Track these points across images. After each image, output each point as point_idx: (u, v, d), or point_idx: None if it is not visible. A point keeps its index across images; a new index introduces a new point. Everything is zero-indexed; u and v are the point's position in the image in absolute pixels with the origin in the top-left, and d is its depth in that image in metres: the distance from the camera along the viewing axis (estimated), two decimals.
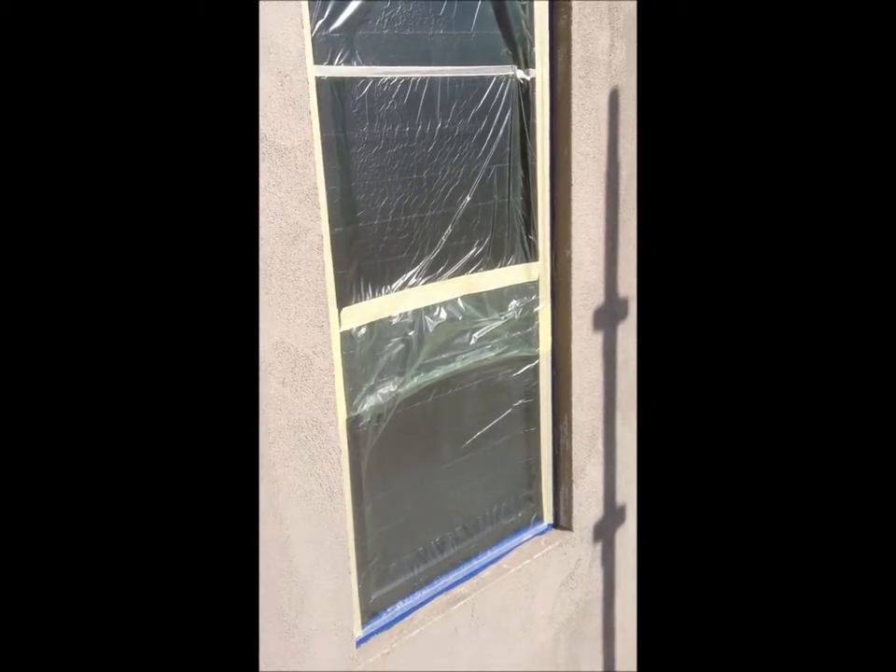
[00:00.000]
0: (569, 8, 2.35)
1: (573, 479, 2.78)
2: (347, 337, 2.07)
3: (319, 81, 1.83)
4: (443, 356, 2.38)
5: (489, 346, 2.51)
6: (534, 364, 2.66)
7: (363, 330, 2.12)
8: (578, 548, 2.84)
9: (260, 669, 1.95)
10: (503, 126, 2.36)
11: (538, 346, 2.65)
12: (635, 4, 2.53)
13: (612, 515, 2.97)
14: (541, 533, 2.79)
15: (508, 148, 2.40)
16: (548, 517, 2.83)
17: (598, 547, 2.94)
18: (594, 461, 2.84)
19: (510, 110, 2.36)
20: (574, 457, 2.76)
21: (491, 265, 2.45)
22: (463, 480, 2.53)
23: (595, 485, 2.87)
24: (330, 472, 2.01)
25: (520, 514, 2.75)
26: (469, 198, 2.32)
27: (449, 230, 2.29)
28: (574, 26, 2.37)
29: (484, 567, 2.58)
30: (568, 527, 2.82)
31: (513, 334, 2.58)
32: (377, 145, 2.03)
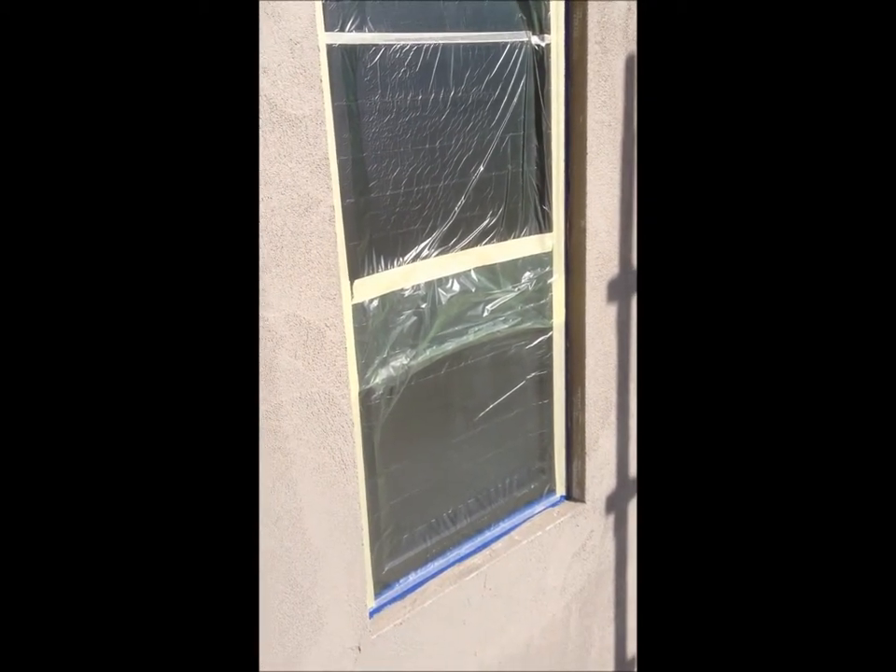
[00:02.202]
0: None
1: (586, 451, 2.77)
2: (359, 309, 2.06)
3: (330, 49, 1.79)
4: (456, 328, 2.36)
5: (502, 318, 2.49)
6: (547, 336, 2.64)
7: (375, 303, 2.10)
8: (590, 519, 2.84)
9: (275, 643, 1.98)
10: (517, 94, 2.31)
11: (551, 318, 2.63)
12: None
13: (625, 487, 2.97)
14: (554, 505, 2.80)
15: (522, 117, 2.35)
16: (560, 489, 2.83)
17: (611, 519, 2.94)
18: (606, 433, 2.83)
19: (524, 77, 2.31)
20: (587, 429, 2.75)
21: (504, 236, 2.42)
22: (476, 452, 2.53)
23: (608, 457, 2.86)
24: (343, 445, 2.01)
25: (532, 486, 2.75)
26: (482, 168, 2.28)
27: (462, 200, 2.26)
28: None
29: (497, 538, 2.59)
30: (581, 499, 2.82)
31: (527, 306, 2.55)
32: (389, 113, 2.00)
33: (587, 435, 2.75)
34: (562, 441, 2.78)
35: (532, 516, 2.72)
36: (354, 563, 2.11)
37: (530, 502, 2.74)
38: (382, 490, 2.26)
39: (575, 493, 2.83)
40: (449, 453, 2.44)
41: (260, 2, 1.54)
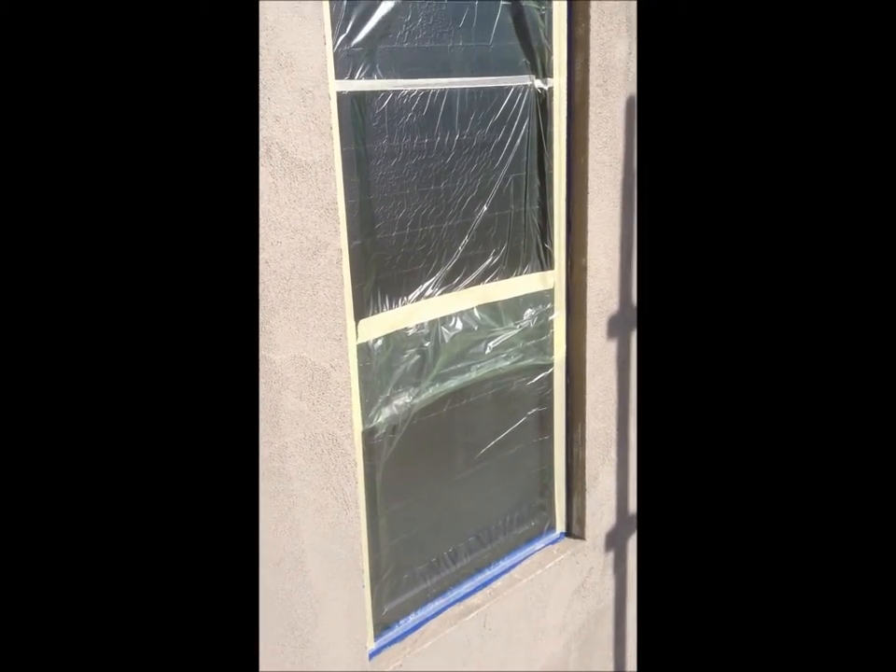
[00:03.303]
0: (587, 17, 2.33)
1: (586, 487, 2.77)
2: (364, 349, 2.07)
3: (340, 96, 1.81)
4: (458, 366, 2.37)
5: (504, 355, 2.50)
6: (548, 372, 2.65)
7: (380, 342, 2.11)
8: (590, 557, 2.83)
9: None
10: (521, 135, 2.34)
11: (552, 354, 2.64)
12: None
13: (625, 524, 2.96)
14: (554, 542, 2.79)
15: (525, 158, 2.38)
16: (561, 526, 2.82)
17: (611, 556, 2.93)
18: (607, 469, 2.84)
19: (527, 119, 2.35)
20: (587, 466, 2.75)
21: (507, 274, 2.44)
22: (476, 489, 2.52)
23: (608, 494, 2.86)
24: (346, 485, 2.01)
25: (533, 523, 2.74)
26: (485, 208, 2.31)
27: (466, 240, 2.28)
28: (592, 34, 2.35)
29: (497, 577, 2.58)
30: (581, 536, 2.82)
31: (528, 343, 2.57)
32: (396, 157, 2.02)
33: (587, 471, 2.76)
34: (562, 478, 2.78)
35: (532, 554, 2.71)
36: (354, 605, 2.10)
37: (530, 539, 2.73)
38: (383, 530, 2.25)
39: (575, 530, 2.83)
40: (450, 490, 2.44)
41: (274, 53, 1.57)
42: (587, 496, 2.77)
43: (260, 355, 1.74)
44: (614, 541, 2.95)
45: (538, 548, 2.74)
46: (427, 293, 2.21)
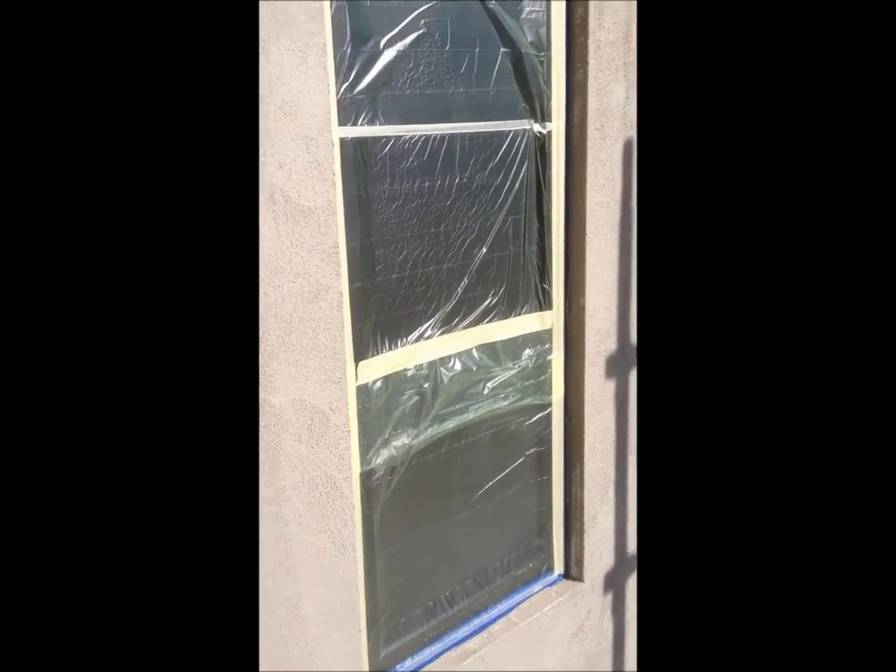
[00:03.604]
0: (586, 63, 2.37)
1: (585, 528, 2.75)
2: (363, 391, 2.06)
3: (343, 142, 1.84)
4: (457, 406, 2.37)
5: (502, 395, 2.50)
6: (546, 412, 2.65)
7: (379, 383, 2.11)
8: (588, 599, 2.80)
9: None
10: (520, 178, 2.37)
11: (550, 394, 2.64)
12: None
13: (624, 565, 2.94)
14: (552, 584, 2.76)
15: (524, 200, 2.41)
16: (559, 567, 2.80)
17: (609, 598, 2.90)
18: (605, 510, 2.82)
19: (526, 162, 2.37)
20: (586, 506, 2.74)
21: (505, 314, 2.44)
22: (474, 531, 2.50)
23: (607, 535, 2.84)
24: (343, 529, 1.99)
25: (531, 565, 2.72)
26: (485, 249, 2.32)
27: (465, 281, 2.29)
28: (590, 80, 2.39)
29: (494, 620, 2.55)
30: (579, 578, 2.79)
31: (526, 382, 2.57)
32: (397, 200, 2.04)
33: (586, 512, 2.74)
34: (560, 519, 2.76)
35: (530, 596, 2.68)
36: (351, 650, 2.07)
37: (528, 582, 2.71)
38: (380, 573, 2.23)
39: (573, 571, 2.80)
40: (448, 532, 2.42)
41: (278, 101, 1.59)
42: (586, 537, 2.75)
43: (260, 398, 1.73)
44: (613, 583, 2.92)
45: (536, 590, 2.71)
46: (427, 334, 2.21)
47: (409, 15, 1.94)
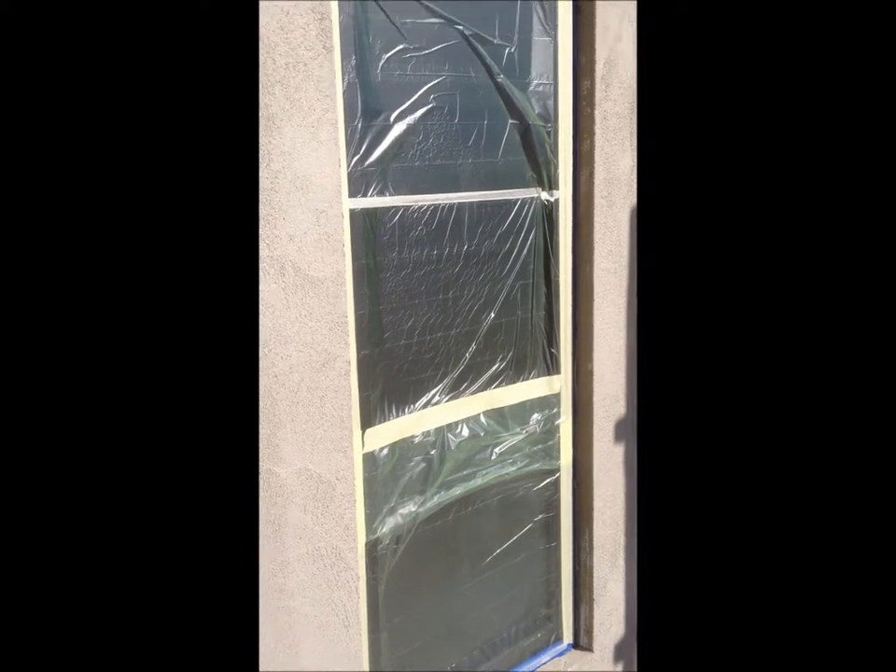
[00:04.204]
0: (592, 134, 2.42)
1: (594, 597, 2.69)
2: (370, 458, 2.05)
3: (353, 213, 1.86)
4: (464, 472, 2.34)
5: (510, 461, 2.48)
6: (555, 477, 2.62)
7: (385, 451, 2.09)
8: (598, 669, 2.72)
9: None
10: (527, 245, 2.39)
11: (559, 459, 2.62)
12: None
13: (634, 634, 2.86)
14: (561, 654, 2.69)
15: (532, 265, 2.43)
16: (568, 637, 2.73)
17: (619, 668, 2.82)
18: (615, 578, 2.76)
19: (534, 229, 2.40)
20: (595, 574, 2.68)
21: (513, 379, 2.44)
22: (481, 599, 2.45)
23: (617, 603, 2.78)
24: (347, 601, 1.95)
25: (539, 634, 2.65)
26: (493, 315, 2.33)
27: (473, 346, 2.29)
28: (597, 150, 2.43)
29: None
30: (589, 648, 2.72)
31: (534, 448, 2.55)
32: (406, 268, 2.06)
33: (595, 580, 2.68)
34: (569, 587, 2.71)
35: (539, 667, 2.61)
36: None
37: (536, 652, 2.64)
38: (385, 645, 2.18)
39: (583, 641, 2.73)
40: (454, 601, 2.37)
41: (290, 177, 1.62)
42: (595, 605, 2.69)
43: (266, 469, 1.72)
44: (623, 652, 2.84)
45: (544, 661, 2.64)
46: (434, 400, 2.21)
47: (419, 90, 1.99)
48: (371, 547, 2.10)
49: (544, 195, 2.41)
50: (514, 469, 2.49)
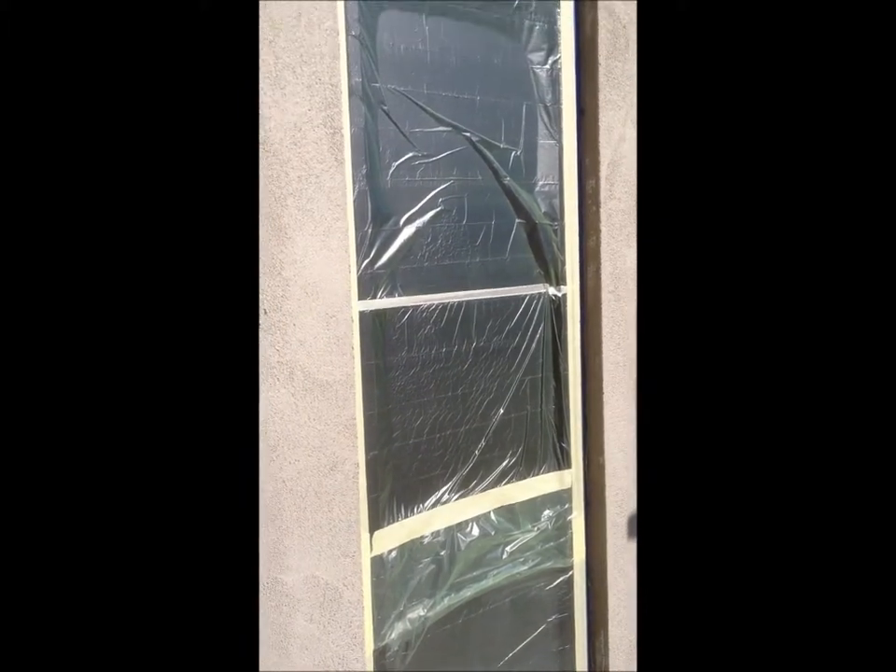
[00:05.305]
0: (598, 230, 2.46)
1: None
2: (378, 562, 2.00)
3: (362, 315, 1.88)
4: (475, 573, 2.28)
5: (521, 560, 2.42)
6: (568, 576, 2.55)
7: (394, 553, 2.05)
8: None
9: None
10: (536, 340, 2.40)
11: (571, 557, 2.55)
12: None
13: None
14: None
15: (540, 360, 2.43)
16: None
17: None
18: None
19: (542, 324, 2.42)
20: None
21: (524, 475, 2.40)
22: None
23: None
24: None
25: None
26: (502, 410, 2.32)
27: (482, 443, 2.27)
28: (603, 246, 2.47)
29: None
30: None
31: (546, 545, 2.48)
32: (415, 367, 2.06)
33: None
34: None
35: None
36: None
37: None
38: None
39: None
40: None
41: (301, 284, 1.65)
42: None
43: (272, 577, 1.68)
44: None
45: None
46: (444, 499, 2.17)
47: (428, 194, 2.04)
48: (380, 655, 2.02)
49: (552, 290, 2.43)
50: (526, 568, 2.43)
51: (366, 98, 1.86)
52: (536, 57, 2.29)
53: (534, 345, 2.40)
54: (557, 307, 2.45)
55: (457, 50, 2.09)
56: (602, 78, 2.39)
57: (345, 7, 1.78)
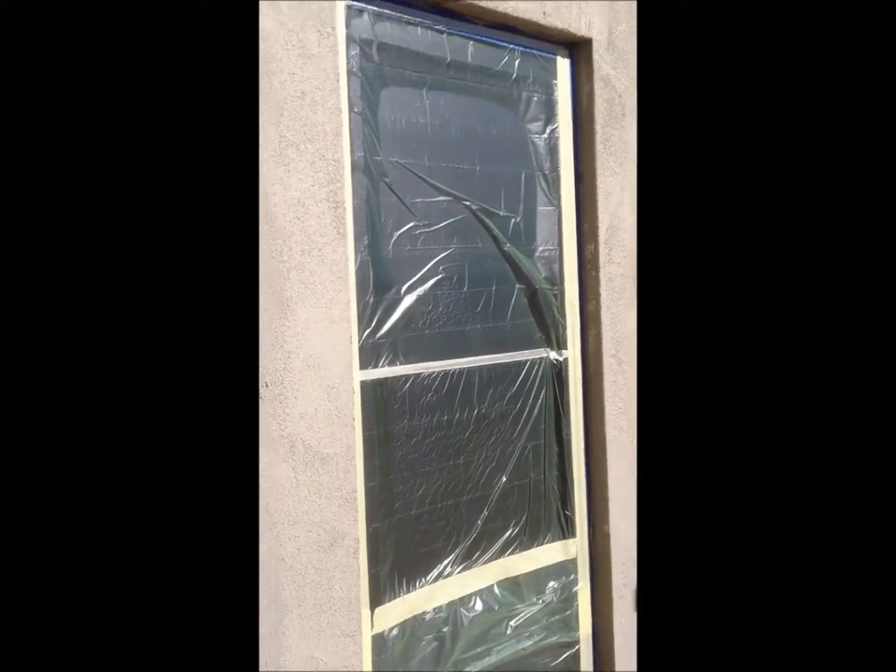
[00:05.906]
0: (598, 294, 2.46)
1: None
2: (379, 640, 1.93)
3: (364, 384, 1.86)
4: (478, 649, 2.21)
5: (526, 634, 2.34)
6: (574, 650, 2.46)
7: (395, 631, 1.98)
8: None
9: None
10: (538, 405, 2.37)
11: (577, 630, 2.47)
12: None
13: None
14: None
15: (543, 426, 2.40)
16: None
17: None
18: None
19: (544, 389, 2.39)
20: None
21: (527, 545, 2.35)
22: None
23: None
24: None
25: None
26: (504, 478, 2.28)
27: (485, 513, 2.22)
28: (603, 310, 2.47)
29: None
30: None
31: (552, 619, 2.41)
32: (416, 436, 2.03)
33: None
34: None
35: None
36: None
37: None
38: None
39: None
40: None
41: (303, 356, 1.63)
42: None
43: (271, 658, 1.62)
44: None
45: None
46: (446, 572, 2.11)
47: (429, 262, 2.04)
48: None
49: (553, 355, 2.42)
50: (531, 643, 2.35)
51: (368, 171, 1.88)
52: (534, 127, 2.33)
53: (536, 411, 2.37)
54: (559, 372, 2.43)
55: (457, 123, 2.13)
56: (599, 146, 2.42)
57: (348, 84, 1.81)
